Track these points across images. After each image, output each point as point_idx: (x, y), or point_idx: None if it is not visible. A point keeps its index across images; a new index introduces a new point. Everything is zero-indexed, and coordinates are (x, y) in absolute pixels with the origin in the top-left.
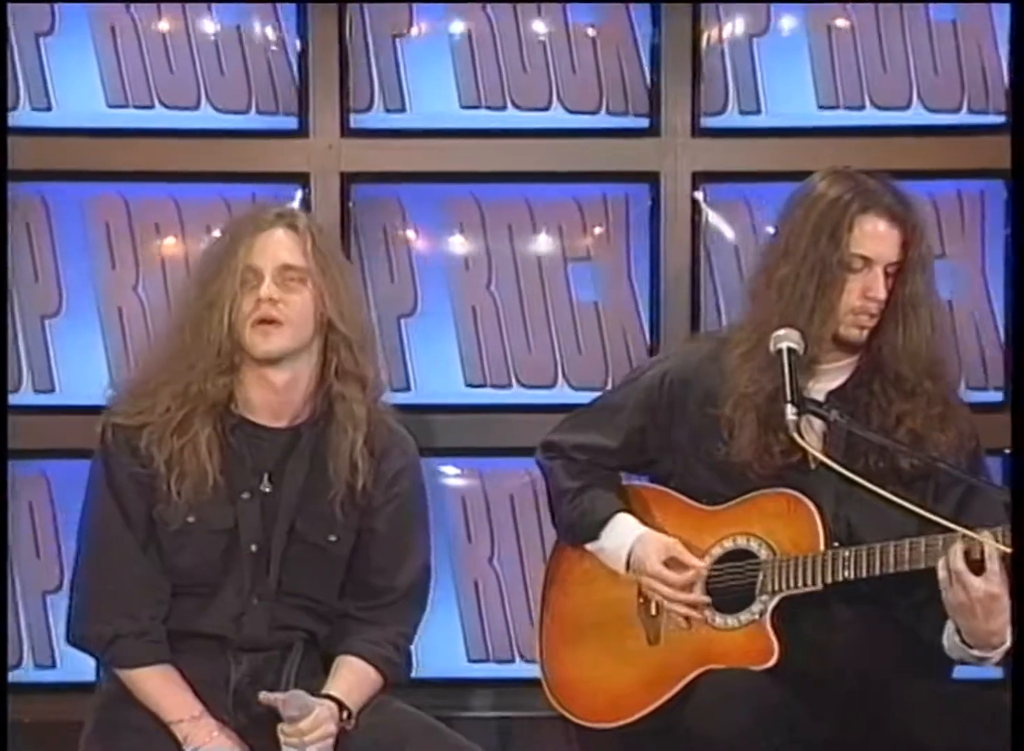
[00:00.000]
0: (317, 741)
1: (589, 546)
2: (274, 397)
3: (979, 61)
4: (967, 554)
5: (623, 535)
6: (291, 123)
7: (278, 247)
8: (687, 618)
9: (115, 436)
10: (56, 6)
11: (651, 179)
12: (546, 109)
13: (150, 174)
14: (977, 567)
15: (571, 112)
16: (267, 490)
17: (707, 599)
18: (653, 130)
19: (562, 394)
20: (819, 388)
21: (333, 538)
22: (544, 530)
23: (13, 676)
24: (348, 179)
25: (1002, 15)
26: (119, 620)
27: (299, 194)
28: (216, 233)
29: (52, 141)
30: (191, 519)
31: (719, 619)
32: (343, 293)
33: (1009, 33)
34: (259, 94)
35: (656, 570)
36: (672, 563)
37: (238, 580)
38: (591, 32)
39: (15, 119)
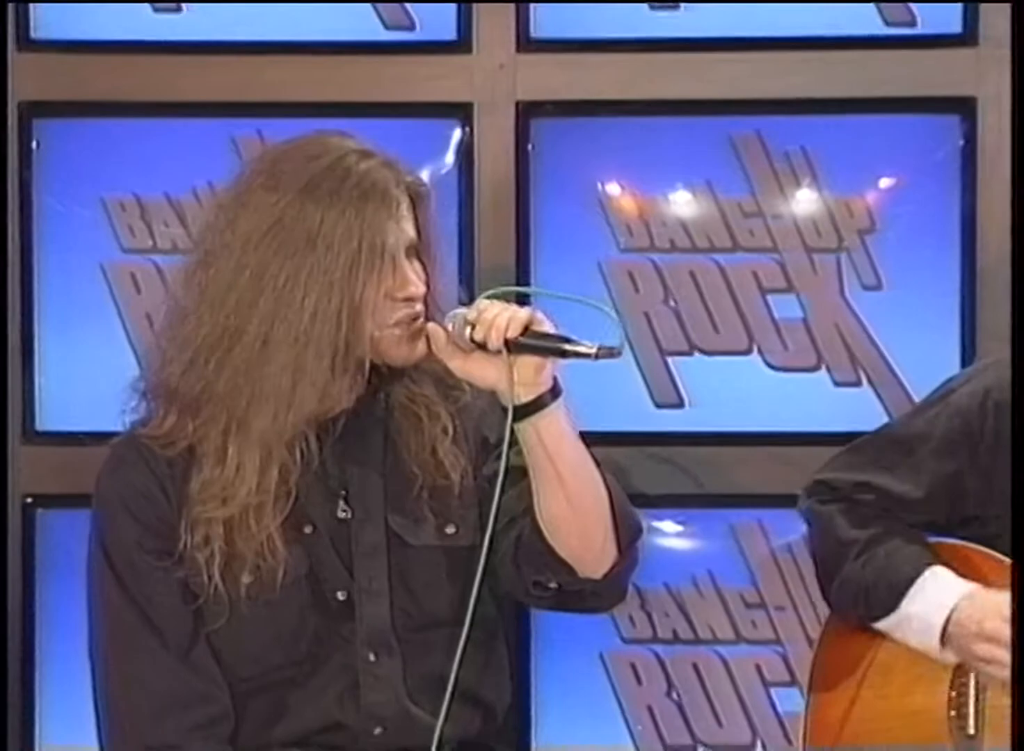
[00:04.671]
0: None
1: (883, 623)
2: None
3: None
4: None
5: (941, 593)
6: (447, 33)
7: (405, 225)
8: None
9: (128, 487)
10: None
11: (963, 108)
12: (811, 10)
13: (227, 106)
14: None
15: (845, 15)
16: (344, 515)
17: None
18: (967, 38)
19: (820, 417)
20: None
21: (451, 529)
22: (801, 609)
23: None
24: (527, 111)
25: None
26: None
27: (457, 133)
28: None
29: (77, 59)
30: (247, 580)
31: None
32: (446, 270)
33: (1010, 33)
34: None
35: (997, 630)
36: None
37: (335, 644)
38: None
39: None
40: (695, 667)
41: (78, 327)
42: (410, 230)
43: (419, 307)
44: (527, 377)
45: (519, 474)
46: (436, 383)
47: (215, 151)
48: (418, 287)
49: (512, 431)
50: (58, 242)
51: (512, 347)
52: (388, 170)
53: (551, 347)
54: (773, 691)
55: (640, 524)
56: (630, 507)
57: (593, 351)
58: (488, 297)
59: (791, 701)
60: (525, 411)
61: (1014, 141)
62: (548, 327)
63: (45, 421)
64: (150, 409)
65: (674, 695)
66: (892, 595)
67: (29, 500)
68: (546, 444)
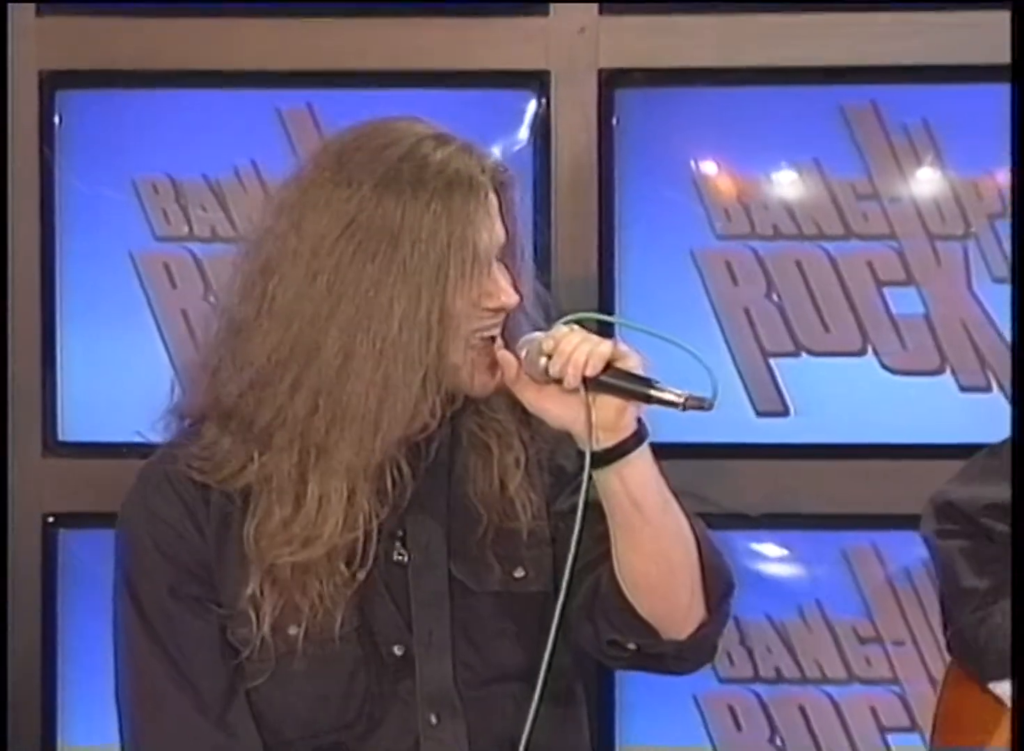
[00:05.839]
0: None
1: (993, 687)
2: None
3: None
4: None
5: None
6: None
7: (495, 221)
8: None
9: (158, 521)
10: None
11: None
12: None
13: (273, 76)
14: None
15: None
16: (400, 559)
17: None
18: None
19: (944, 427)
20: None
21: (520, 573)
22: (922, 644)
23: None
24: (610, 80)
25: None
26: None
27: (532, 105)
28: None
29: (105, 23)
30: (293, 631)
31: None
32: (531, 272)
33: (1010, 34)
34: None
35: None
36: None
37: (392, 704)
38: None
39: None
40: (802, 710)
41: (105, 324)
42: (500, 228)
43: (501, 319)
44: (607, 420)
45: (597, 512)
46: (511, 407)
47: (260, 126)
48: (510, 297)
49: (590, 477)
50: (83, 229)
51: (591, 385)
52: (469, 156)
53: (634, 390)
54: (890, 737)
55: (732, 579)
56: (722, 559)
57: (681, 400)
58: (567, 322)
59: (911, 748)
60: (605, 458)
61: (1013, 139)
62: (634, 363)
63: (68, 431)
64: (191, 431)
65: (778, 741)
66: (1002, 665)
67: (51, 519)
68: (629, 494)
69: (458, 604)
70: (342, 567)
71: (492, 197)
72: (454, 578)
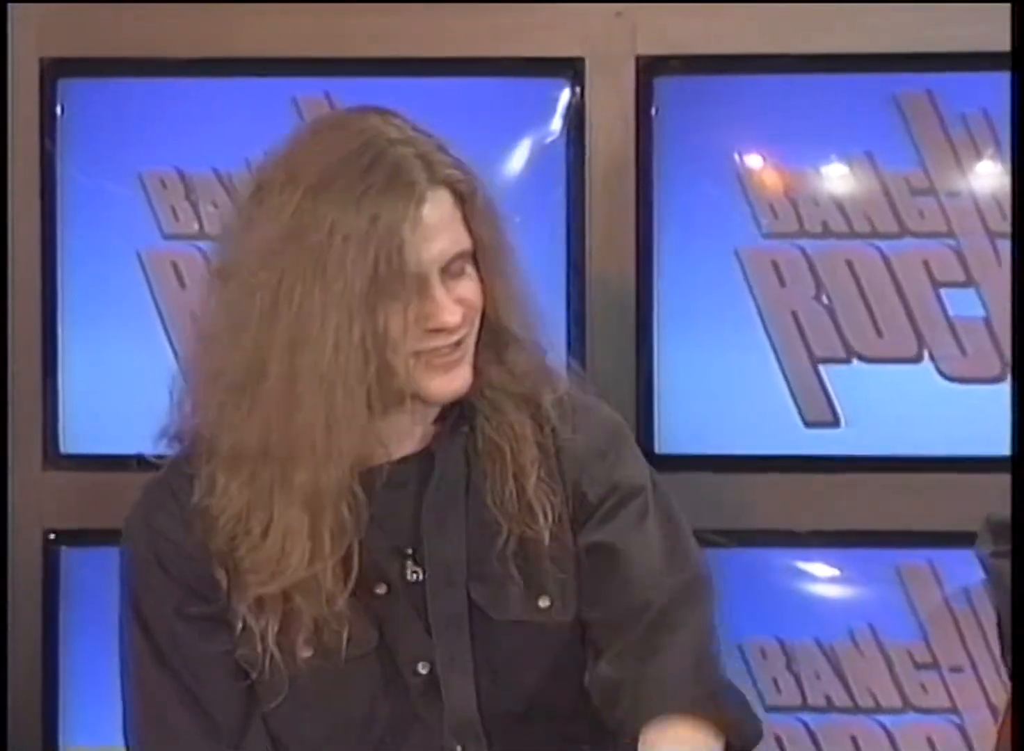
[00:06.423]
0: None
1: None
2: (408, 430)
3: None
4: None
5: None
6: None
7: (437, 232)
8: None
9: (163, 539)
10: None
11: None
12: None
13: (289, 63)
14: None
15: None
16: (414, 578)
17: None
18: None
19: (1006, 438)
20: None
21: (544, 602)
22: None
23: None
24: (649, 68)
25: None
26: None
27: (565, 94)
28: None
29: (110, 7)
30: (306, 653)
31: None
32: (514, 275)
33: (1010, 35)
34: None
35: None
36: None
37: (414, 729)
38: None
39: None
40: (853, 741)
41: (110, 328)
42: (446, 241)
43: (456, 337)
44: None
45: (615, 557)
46: (519, 403)
47: (274, 116)
48: (453, 315)
49: None
50: (87, 226)
51: None
52: (416, 160)
53: None
54: None
55: (760, 734)
56: (752, 731)
57: None
58: None
59: None
60: None
61: (1013, 141)
62: None
63: (70, 442)
64: (190, 451)
65: None
66: None
67: (52, 536)
68: None
69: (478, 631)
70: (329, 588)
71: (441, 207)
72: (473, 602)
